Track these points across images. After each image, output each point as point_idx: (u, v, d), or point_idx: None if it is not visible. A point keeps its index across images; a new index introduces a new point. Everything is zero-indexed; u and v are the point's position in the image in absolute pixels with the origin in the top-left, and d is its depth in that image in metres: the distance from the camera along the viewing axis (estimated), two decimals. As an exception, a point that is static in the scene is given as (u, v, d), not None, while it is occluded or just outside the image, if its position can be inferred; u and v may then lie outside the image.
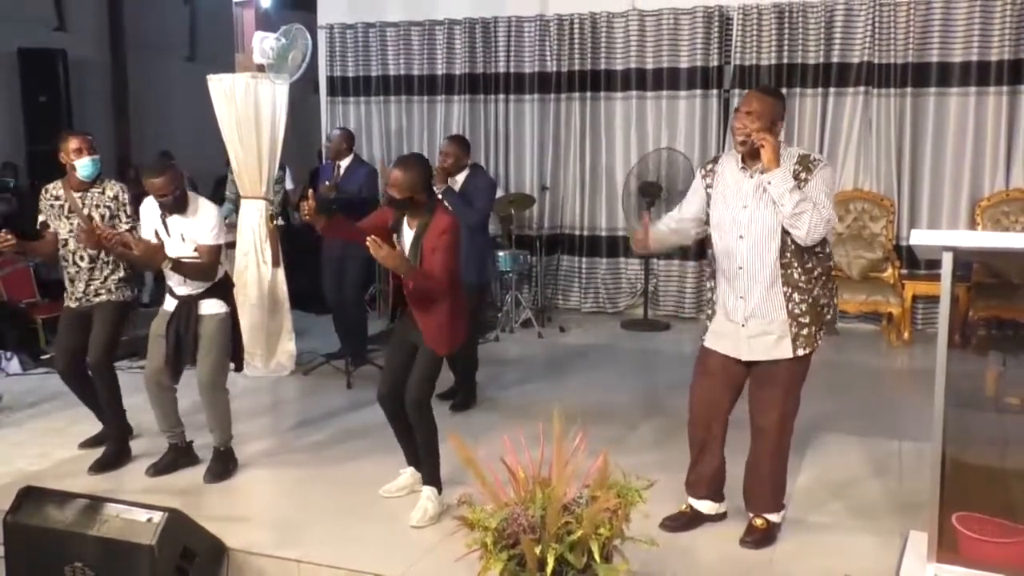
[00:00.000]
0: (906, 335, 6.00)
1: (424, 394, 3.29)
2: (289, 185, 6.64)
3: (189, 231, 3.60)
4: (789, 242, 2.83)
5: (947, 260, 2.53)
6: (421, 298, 3.27)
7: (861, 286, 6.08)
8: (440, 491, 3.34)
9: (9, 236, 3.65)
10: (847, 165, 6.38)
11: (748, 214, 2.86)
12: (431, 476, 3.36)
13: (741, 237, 2.87)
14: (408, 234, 3.31)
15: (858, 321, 6.41)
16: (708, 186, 3.00)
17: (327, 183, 5.40)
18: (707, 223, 3.03)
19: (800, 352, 2.89)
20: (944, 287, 2.55)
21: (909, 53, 6.09)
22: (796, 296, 2.86)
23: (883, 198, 6.28)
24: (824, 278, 2.93)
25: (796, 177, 2.79)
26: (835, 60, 6.26)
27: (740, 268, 2.89)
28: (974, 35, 5.95)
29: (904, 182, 6.23)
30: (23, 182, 8.51)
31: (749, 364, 2.98)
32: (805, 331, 2.88)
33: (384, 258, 3.04)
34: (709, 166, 3.05)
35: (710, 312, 3.09)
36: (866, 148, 6.32)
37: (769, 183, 2.78)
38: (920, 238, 2.58)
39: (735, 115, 2.90)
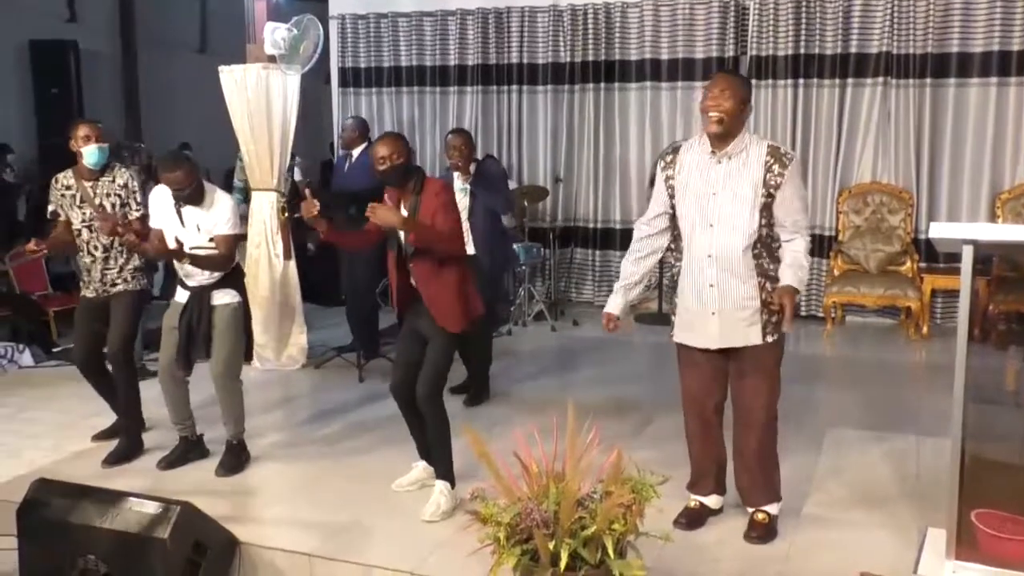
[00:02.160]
0: (925, 329, 5.93)
1: (435, 388, 3.26)
2: (298, 176, 6.61)
3: (205, 222, 3.59)
4: (764, 235, 2.86)
5: (967, 253, 2.50)
6: (429, 274, 3.21)
7: (879, 280, 6.01)
8: (453, 486, 3.32)
9: (42, 246, 3.80)
10: (865, 157, 6.30)
11: (718, 202, 2.84)
12: (444, 470, 3.33)
13: (711, 225, 2.86)
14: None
15: (876, 315, 6.35)
16: (669, 178, 2.96)
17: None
18: (673, 216, 3.01)
19: (769, 339, 2.91)
20: (964, 281, 2.52)
21: (928, 43, 6.00)
22: (768, 285, 2.88)
23: (902, 191, 6.20)
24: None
25: (769, 169, 2.80)
26: (853, 50, 6.18)
27: (710, 256, 2.87)
28: (995, 24, 5.85)
29: (923, 174, 6.14)
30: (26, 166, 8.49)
31: (726, 353, 2.97)
32: (775, 318, 2.89)
33: (383, 216, 3.04)
34: (669, 157, 3.00)
35: (673, 307, 3.06)
36: (884, 140, 6.23)
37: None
38: (940, 231, 2.56)
39: (704, 96, 2.86)
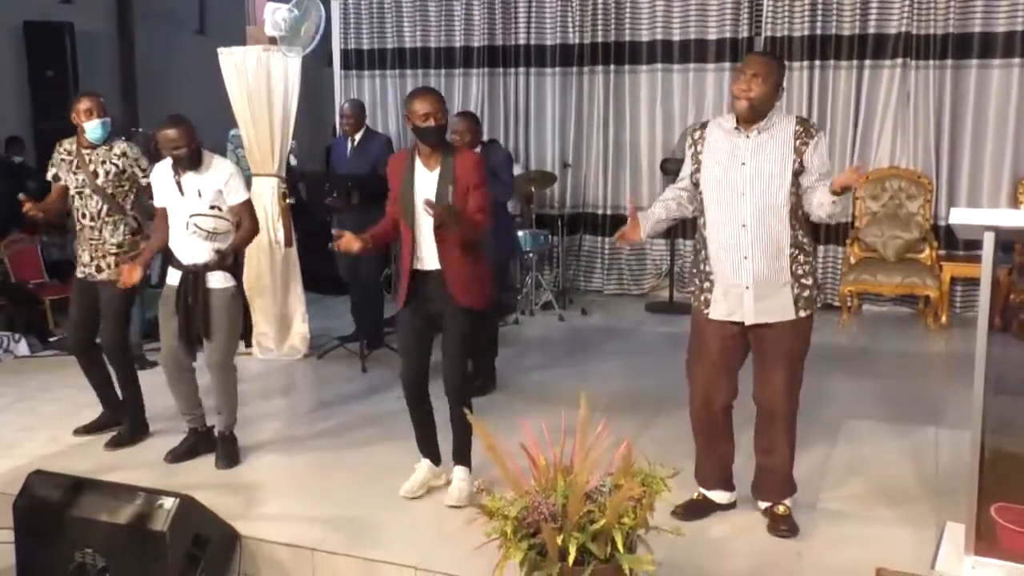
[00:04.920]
0: (944, 319, 5.85)
1: (463, 377, 3.26)
2: (293, 162, 6.49)
3: (206, 186, 3.54)
4: (795, 202, 2.84)
5: (988, 240, 2.45)
6: (462, 251, 3.15)
7: (897, 267, 5.91)
8: (471, 471, 3.30)
9: (36, 208, 3.83)
10: (883, 141, 6.19)
11: (748, 171, 2.83)
12: (465, 456, 3.31)
13: (743, 195, 2.84)
14: (427, 177, 3.17)
15: (894, 304, 6.27)
16: (698, 152, 2.95)
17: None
18: (698, 188, 2.98)
19: (802, 313, 2.89)
20: (985, 269, 2.48)
21: (950, 23, 5.87)
22: (801, 257, 2.88)
23: (920, 176, 6.09)
24: (815, 243, 2.99)
25: (798, 137, 2.81)
26: (871, 31, 6.06)
27: (744, 226, 2.84)
28: (1019, 2, 5.71)
29: (943, 159, 6.04)
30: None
31: (748, 337, 2.93)
32: (807, 293, 2.90)
33: (439, 215, 2.99)
34: (697, 133, 3.00)
35: (706, 286, 2.97)
36: (903, 124, 6.12)
37: (833, 202, 2.76)
38: (960, 217, 2.50)
39: (735, 78, 2.85)
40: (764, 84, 2.77)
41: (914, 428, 3.92)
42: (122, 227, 3.89)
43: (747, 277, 2.86)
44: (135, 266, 3.62)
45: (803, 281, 2.87)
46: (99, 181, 3.83)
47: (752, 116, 2.81)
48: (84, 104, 3.80)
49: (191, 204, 3.52)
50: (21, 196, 3.84)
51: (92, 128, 3.81)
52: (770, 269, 2.85)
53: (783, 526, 2.98)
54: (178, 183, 3.53)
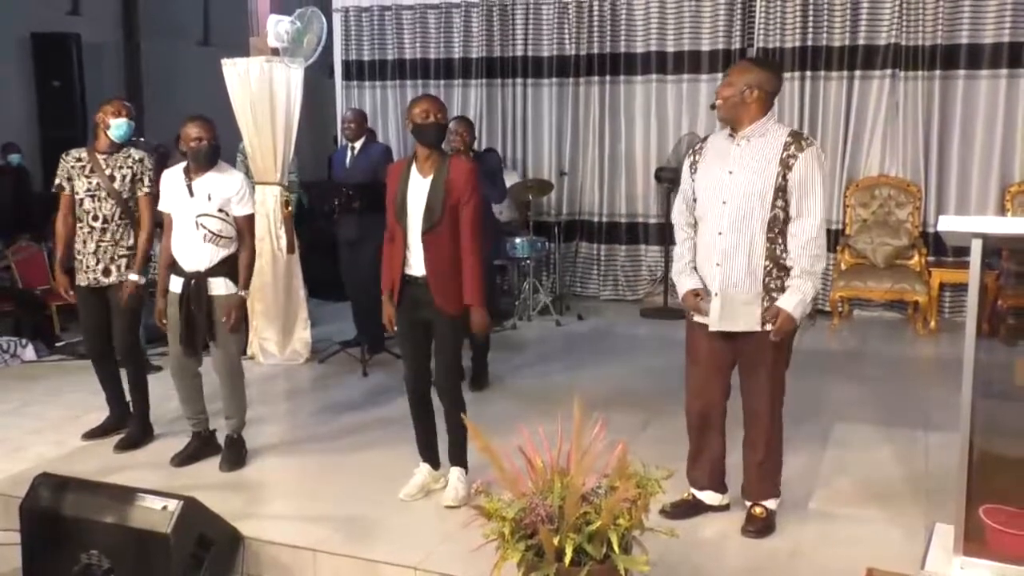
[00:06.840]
0: (932, 324, 5.90)
1: (455, 378, 3.31)
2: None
3: (216, 191, 3.58)
4: (779, 218, 2.82)
5: (976, 247, 2.47)
6: (441, 251, 3.16)
7: (886, 274, 5.97)
8: (467, 471, 3.33)
9: (70, 290, 3.97)
10: (873, 150, 6.26)
11: (733, 179, 2.84)
12: (460, 457, 3.34)
13: (724, 202, 2.85)
14: (420, 182, 3.19)
15: (883, 309, 6.33)
16: (696, 162, 2.99)
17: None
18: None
19: (768, 327, 2.86)
20: (973, 275, 2.50)
21: (938, 34, 5.96)
22: (775, 272, 2.84)
23: (909, 184, 6.16)
24: None
25: (786, 149, 2.79)
26: (861, 42, 6.14)
27: (720, 234, 2.85)
28: (1006, 15, 5.80)
29: (931, 168, 6.11)
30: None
31: (734, 343, 2.95)
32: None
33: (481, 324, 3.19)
34: (698, 145, 3.05)
35: None
36: (892, 133, 6.20)
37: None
38: (949, 224, 2.55)
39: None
40: (731, 87, 2.81)
41: (904, 431, 3.96)
42: (132, 232, 3.92)
43: (715, 284, 2.87)
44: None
45: (773, 296, 2.84)
46: (116, 185, 3.87)
47: (727, 120, 2.86)
48: (113, 106, 3.90)
49: (200, 205, 3.56)
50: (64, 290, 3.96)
51: (117, 124, 3.86)
52: (740, 279, 2.84)
53: (751, 527, 3.01)
54: (189, 186, 3.58)
